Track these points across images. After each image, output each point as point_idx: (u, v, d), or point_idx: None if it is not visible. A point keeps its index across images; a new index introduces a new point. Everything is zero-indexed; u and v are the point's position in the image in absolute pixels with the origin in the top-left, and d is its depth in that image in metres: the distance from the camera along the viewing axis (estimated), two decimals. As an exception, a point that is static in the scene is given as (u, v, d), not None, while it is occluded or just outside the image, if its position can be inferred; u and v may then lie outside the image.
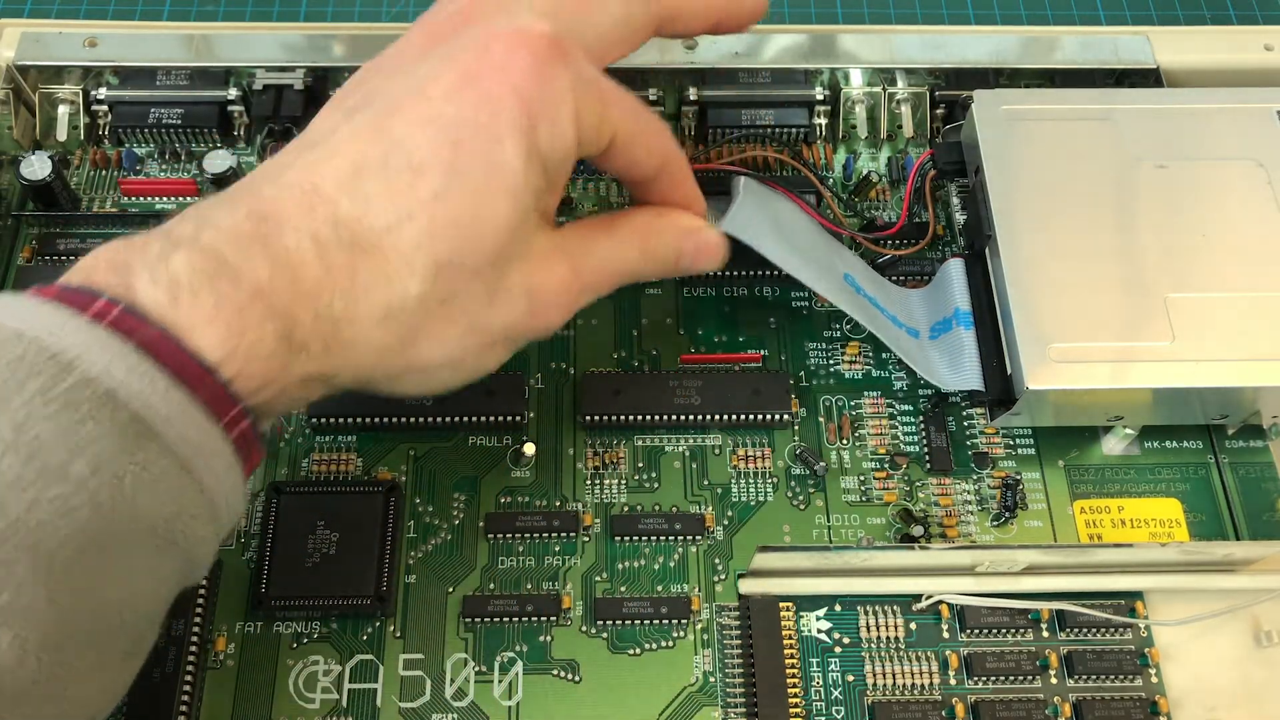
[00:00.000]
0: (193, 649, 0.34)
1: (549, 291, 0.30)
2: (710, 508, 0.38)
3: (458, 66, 0.28)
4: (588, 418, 0.38)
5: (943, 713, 0.34)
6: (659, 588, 0.36)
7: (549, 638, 0.35)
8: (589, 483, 0.38)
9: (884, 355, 0.41)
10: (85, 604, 0.24)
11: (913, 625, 0.36)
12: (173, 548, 0.25)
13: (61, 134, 0.44)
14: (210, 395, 0.24)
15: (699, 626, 0.36)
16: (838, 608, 0.36)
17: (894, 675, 0.35)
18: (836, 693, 0.35)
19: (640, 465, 0.39)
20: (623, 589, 0.36)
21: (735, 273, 0.41)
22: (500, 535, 0.37)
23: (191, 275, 0.25)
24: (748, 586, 0.36)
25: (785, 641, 0.35)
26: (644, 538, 0.37)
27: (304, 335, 0.26)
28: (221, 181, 0.41)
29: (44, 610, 0.22)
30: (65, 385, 0.23)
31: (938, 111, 0.45)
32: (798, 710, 0.34)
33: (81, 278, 0.25)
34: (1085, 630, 0.36)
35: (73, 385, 0.23)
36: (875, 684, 0.35)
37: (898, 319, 0.39)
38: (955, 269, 0.39)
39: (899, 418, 0.40)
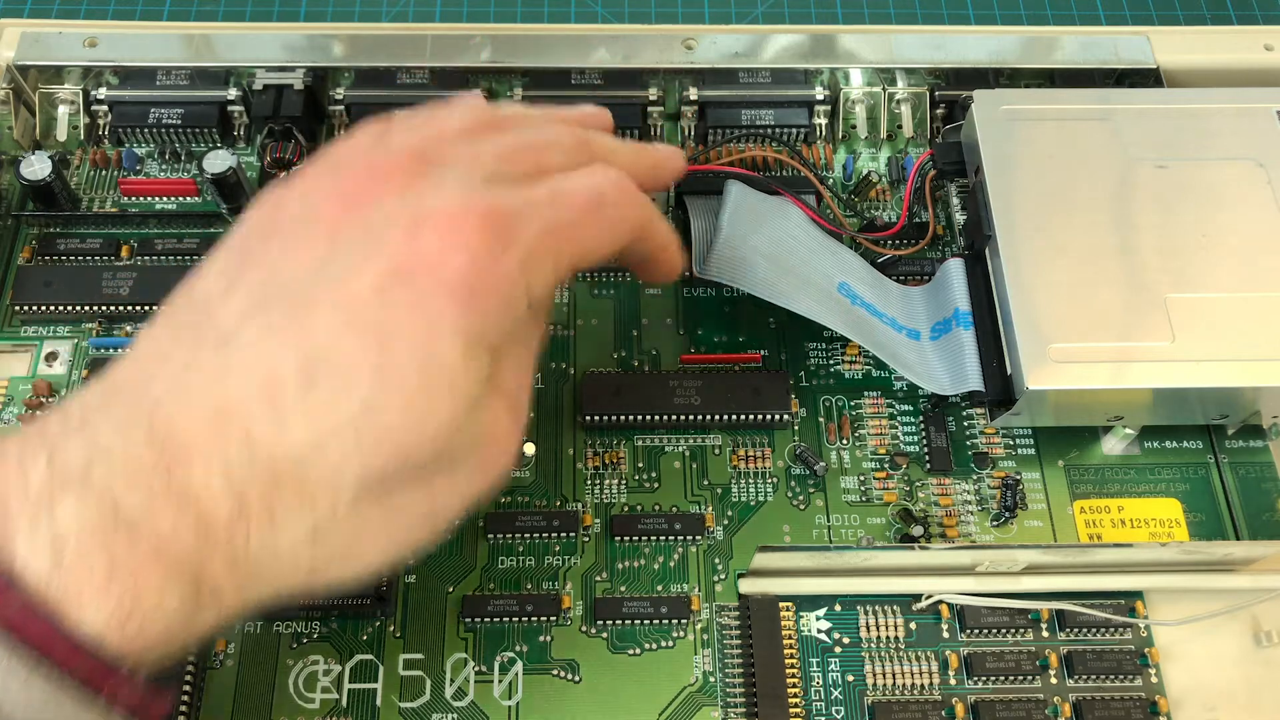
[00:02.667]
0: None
1: (496, 448, 0.27)
2: (710, 508, 0.38)
3: (383, 258, 0.24)
4: (588, 418, 0.38)
5: (943, 713, 0.34)
6: (659, 588, 0.36)
7: (549, 638, 0.35)
8: (589, 483, 0.38)
9: (884, 355, 0.41)
10: None
11: (913, 625, 0.36)
12: None
13: (61, 134, 0.44)
14: (88, 673, 0.21)
15: (699, 626, 0.36)
16: (838, 608, 0.36)
17: (894, 675, 0.35)
18: (836, 693, 0.35)
19: (640, 465, 0.39)
20: (623, 589, 0.36)
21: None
22: (500, 535, 0.37)
23: (80, 531, 0.21)
24: (748, 586, 0.36)
25: (785, 641, 0.35)
26: (644, 538, 0.37)
27: (215, 583, 0.23)
28: (221, 183, 0.41)
29: None
30: None
31: (938, 111, 0.45)
32: (798, 710, 0.34)
33: None
34: (1085, 630, 0.36)
35: None
36: (875, 684, 0.35)
37: (898, 322, 0.39)
38: (955, 269, 0.39)
39: (899, 418, 0.40)
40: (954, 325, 0.38)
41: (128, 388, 0.24)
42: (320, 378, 0.23)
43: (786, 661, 0.34)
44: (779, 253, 0.38)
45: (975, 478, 0.39)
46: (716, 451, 0.39)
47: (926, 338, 0.39)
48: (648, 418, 0.38)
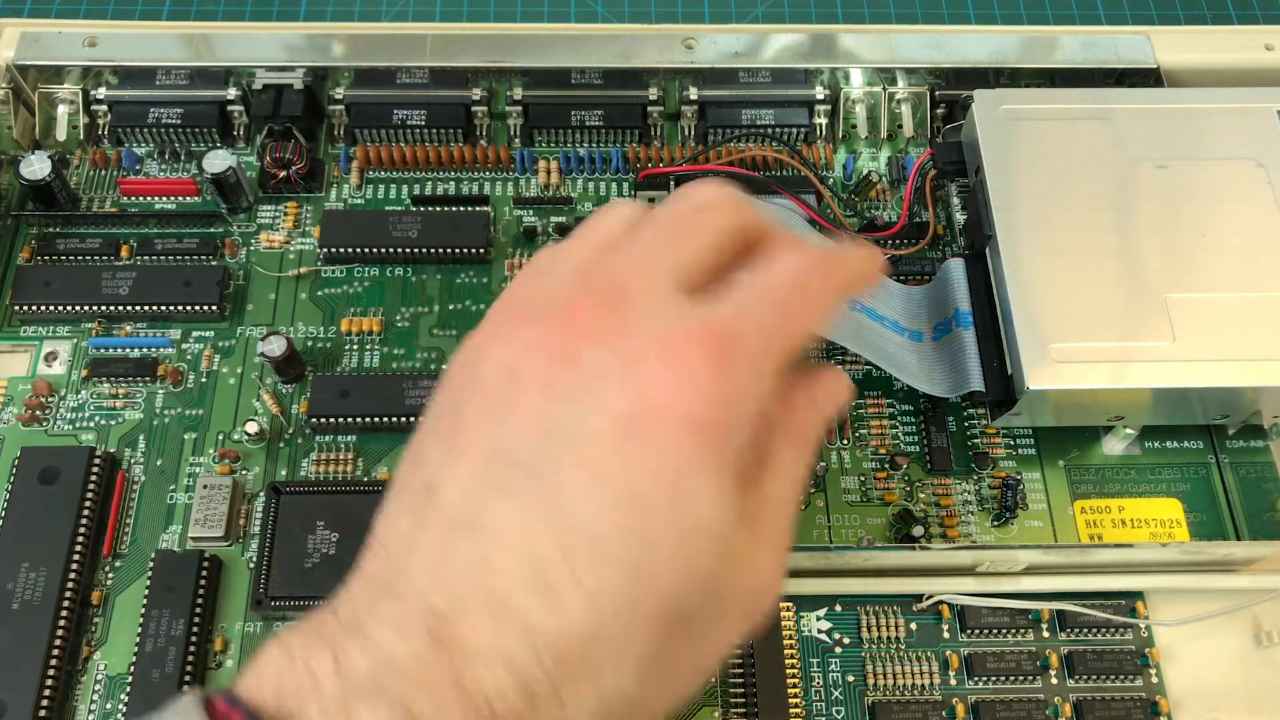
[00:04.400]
0: (192, 649, 0.34)
1: (760, 586, 0.26)
2: (710, 508, 0.38)
3: (611, 410, 0.23)
4: (588, 418, 0.38)
5: (943, 713, 0.34)
6: (659, 588, 0.36)
7: (549, 638, 0.35)
8: (589, 483, 0.38)
9: (884, 355, 0.41)
10: None
11: (913, 625, 0.36)
12: None
13: (61, 134, 0.44)
14: None
15: (699, 626, 0.36)
16: (838, 608, 0.36)
17: (894, 675, 0.35)
18: (837, 693, 0.35)
19: (640, 465, 0.38)
20: (623, 589, 0.36)
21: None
22: (500, 535, 0.37)
23: None
24: (748, 586, 0.36)
25: (785, 641, 0.35)
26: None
27: None
28: (221, 183, 0.41)
29: None
30: None
31: (938, 111, 0.45)
32: (798, 710, 0.34)
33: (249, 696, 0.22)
34: (1085, 630, 0.36)
35: None
36: (875, 684, 0.35)
37: (900, 324, 0.39)
38: (955, 269, 0.39)
39: (899, 418, 0.40)
40: (955, 326, 0.38)
41: (388, 581, 0.23)
42: (581, 551, 0.22)
43: (787, 661, 0.34)
44: None
45: (975, 478, 0.39)
46: (717, 451, 0.39)
47: (929, 339, 0.39)
48: (648, 418, 0.38)
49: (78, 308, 0.40)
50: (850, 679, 0.35)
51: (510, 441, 0.24)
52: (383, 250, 0.41)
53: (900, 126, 0.45)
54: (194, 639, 0.34)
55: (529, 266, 0.28)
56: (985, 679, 0.35)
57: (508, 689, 0.22)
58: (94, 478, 0.36)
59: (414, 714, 0.21)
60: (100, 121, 0.44)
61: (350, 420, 0.38)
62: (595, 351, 0.24)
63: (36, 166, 0.40)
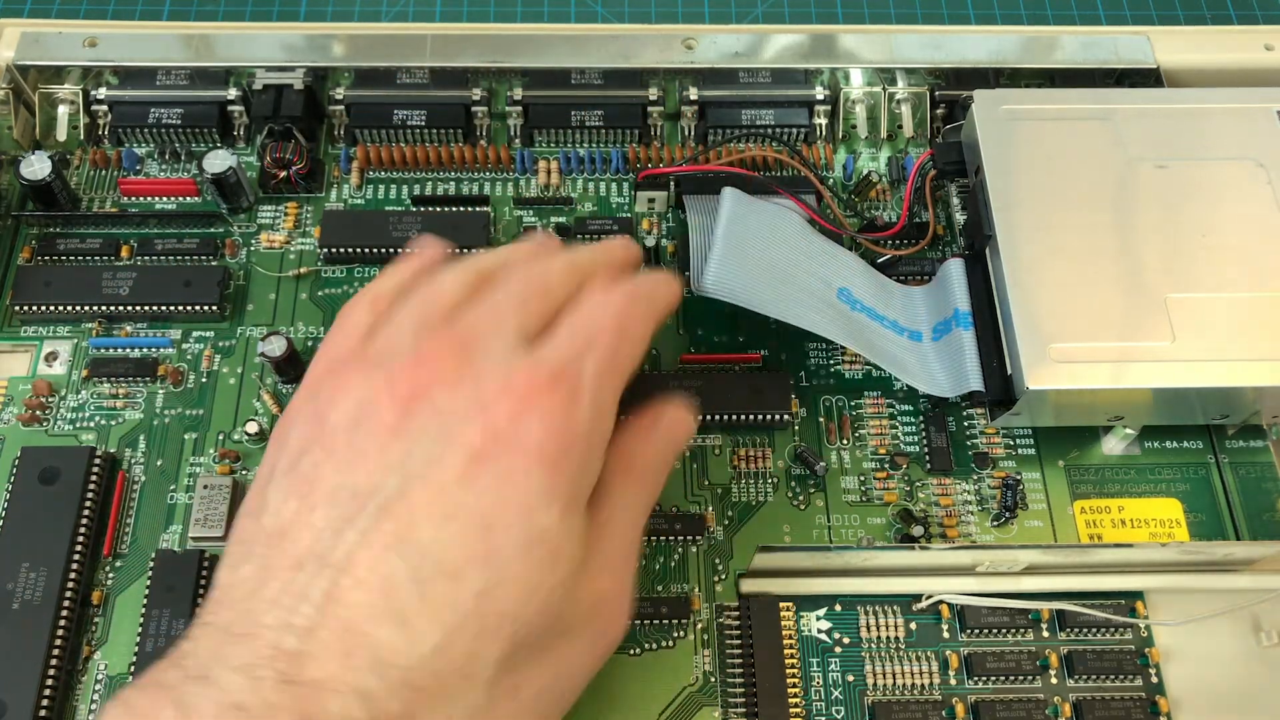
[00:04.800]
0: (192, 649, 0.34)
1: (608, 610, 0.28)
2: (710, 508, 0.38)
3: (463, 445, 0.25)
4: (588, 418, 0.38)
5: (943, 713, 0.34)
6: (659, 588, 0.36)
7: (549, 638, 0.35)
8: (589, 483, 0.38)
9: (884, 355, 0.41)
10: None
11: (913, 625, 0.36)
12: None
13: (61, 134, 0.44)
14: None
15: (699, 626, 0.36)
16: (838, 608, 0.36)
17: (894, 675, 0.35)
18: (836, 693, 0.35)
19: (640, 465, 0.38)
20: (623, 589, 0.36)
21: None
22: (500, 535, 0.37)
23: None
24: (748, 586, 0.36)
25: (785, 641, 0.35)
26: (644, 537, 0.37)
27: None
28: (221, 183, 0.41)
29: None
30: None
31: (938, 111, 0.45)
32: (798, 710, 0.34)
33: None
34: (1085, 630, 0.36)
35: None
36: (875, 684, 0.35)
37: (899, 325, 0.39)
38: (955, 269, 0.39)
39: (899, 418, 0.40)
40: (954, 326, 0.38)
41: (236, 629, 0.23)
42: (431, 577, 0.24)
43: (786, 661, 0.34)
44: (776, 262, 0.38)
45: (975, 478, 0.39)
46: (717, 452, 0.39)
47: (928, 339, 0.39)
48: (648, 418, 0.38)
49: (78, 308, 0.40)
50: (850, 679, 0.35)
51: (361, 480, 0.25)
52: (383, 250, 0.41)
53: (900, 127, 0.45)
54: (194, 639, 0.34)
55: (344, 320, 0.29)
56: (985, 679, 0.35)
57: (356, 711, 0.22)
58: (94, 478, 0.36)
59: None
60: (100, 122, 0.44)
61: (350, 420, 0.38)
62: (446, 393, 0.26)
63: (37, 167, 0.40)
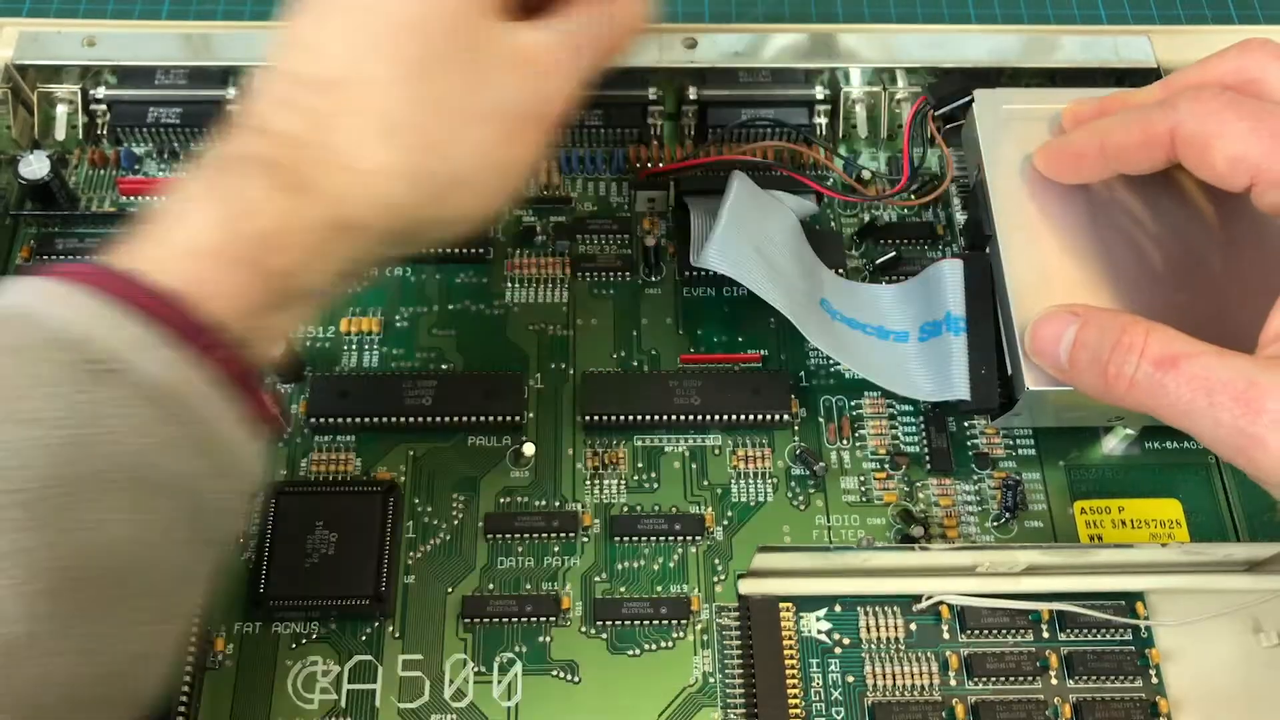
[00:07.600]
0: (191, 649, 0.34)
1: (541, 55, 0.29)
2: (710, 508, 0.38)
3: None
4: (587, 418, 0.38)
5: (943, 713, 0.34)
6: (658, 588, 0.36)
7: (548, 638, 0.35)
8: (588, 483, 0.38)
9: (884, 355, 0.40)
10: (79, 549, 0.23)
11: (913, 626, 0.36)
12: (161, 487, 0.24)
13: (60, 133, 0.44)
14: (179, 323, 0.24)
15: (699, 627, 0.36)
16: (838, 608, 0.36)
17: (894, 676, 0.35)
18: (836, 693, 0.35)
19: (640, 465, 0.38)
20: (622, 589, 0.36)
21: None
22: (499, 535, 0.37)
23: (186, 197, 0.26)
24: (748, 587, 0.36)
25: (785, 642, 0.35)
26: (643, 538, 0.37)
27: (302, 175, 0.26)
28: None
29: (36, 555, 0.22)
30: (14, 332, 0.24)
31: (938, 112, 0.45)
32: (798, 711, 0.34)
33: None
34: (1085, 631, 0.36)
35: (19, 328, 0.24)
36: (875, 685, 0.35)
37: (884, 329, 0.39)
38: (949, 270, 0.38)
39: (899, 418, 0.40)
40: (944, 329, 0.38)
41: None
42: (331, 10, 0.28)
43: (786, 662, 0.34)
44: (772, 253, 0.38)
45: (976, 478, 0.39)
46: (716, 452, 0.39)
47: (914, 338, 0.38)
48: (647, 418, 0.38)
49: (77, 307, 0.40)
50: (850, 679, 0.35)
51: None
52: (382, 250, 0.41)
53: (900, 126, 0.45)
54: (193, 639, 0.34)
55: None
56: (985, 679, 0.35)
57: (278, 102, 0.27)
58: (93, 478, 0.36)
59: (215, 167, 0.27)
60: (99, 121, 0.44)
61: (349, 420, 0.38)
62: None
63: (35, 166, 0.40)
